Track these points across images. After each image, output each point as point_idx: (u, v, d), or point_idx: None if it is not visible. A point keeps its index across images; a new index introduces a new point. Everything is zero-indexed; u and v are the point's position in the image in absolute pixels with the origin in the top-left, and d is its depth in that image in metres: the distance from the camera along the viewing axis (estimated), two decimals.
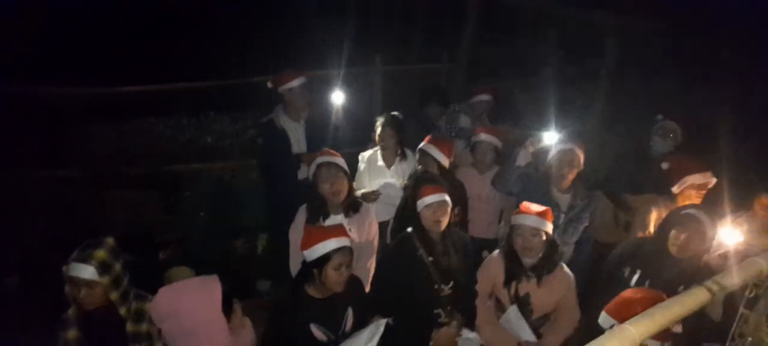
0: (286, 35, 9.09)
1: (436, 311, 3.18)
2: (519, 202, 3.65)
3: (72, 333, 2.58)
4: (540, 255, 3.11)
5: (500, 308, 3.26)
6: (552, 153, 3.78)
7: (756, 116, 5.26)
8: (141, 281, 2.78)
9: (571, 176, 3.71)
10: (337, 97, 4.75)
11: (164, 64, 7.38)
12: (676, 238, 2.96)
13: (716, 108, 5.42)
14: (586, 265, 3.85)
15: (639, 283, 3.02)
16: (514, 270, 3.16)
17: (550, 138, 3.93)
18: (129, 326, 2.64)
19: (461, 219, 3.87)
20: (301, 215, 3.52)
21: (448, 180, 3.62)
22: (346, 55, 6.90)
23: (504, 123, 5.61)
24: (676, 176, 3.62)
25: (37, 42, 7.86)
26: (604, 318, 2.42)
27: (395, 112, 4.48)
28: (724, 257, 3.07)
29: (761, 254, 2.07)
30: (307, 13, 9.21)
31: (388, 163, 4.32)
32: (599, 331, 2.41)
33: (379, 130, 4.31)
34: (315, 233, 2.83)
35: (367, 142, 4.66)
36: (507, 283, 3.18)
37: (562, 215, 3.73)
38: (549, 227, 3.08)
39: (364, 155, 4.39)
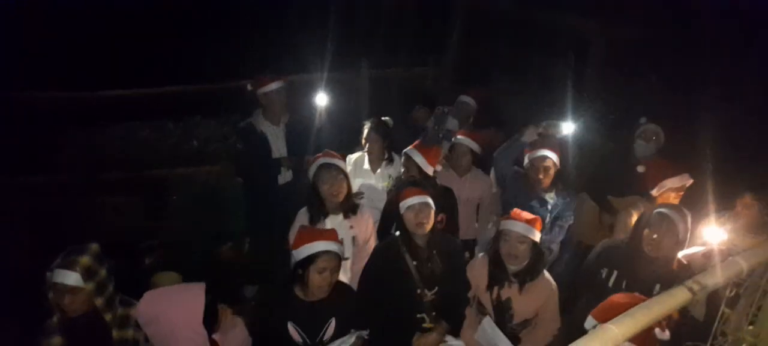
0: (272, 39, 9.07)
1: (419, 316, 3.17)
2: (505, 200, 3.70)
3: (56, 341, 2.54)
4: (525, 262, 3.13)
5: (482, 312, 3.26)
6: (526, 160, 3.86)
7: (739, 117, 5.32)
8: (127, 286, 2.76)
9: (547, 180, 3.79)
10: (321, 100, 4.75)
11: (149, 68, 7.32)
12: (649, 237, 3.01)
13: (699, 110, 5.49)
14: (570, 264, 3.88)
15: (616, 283, 3.08)
16: (497, 275, 3.17)
17: (567, 127, 3.99)
18: (115, 333, 2.61)
19: (450, 227, 3.85)
20: (302, 217, 3.54)
21: (430, 185, 3.61)
22: (332, 59, 6.90)
23: (489, 127, 5.63)
24: (652, 180, 3.69)
25: (25, 45, 7.78)
26: (590, 322, 2.44)
27: (385, 118, 4.51)
28: (707, 256, 3.11)
29: (742, 253, 2.10)
30: (293, 17, 9.19)
31: (374, 167, 4.34)
32: (582, 332, 2.44)
33: (365, 134, 4.33)
34: (305, 234, 2.85)
35: (353, 146, 4.67)
36: (489, 287, 3.19)
37: (548, 214, 3.78)
38: (536, 236, 3.10)
39: (351, 158, 4.41)
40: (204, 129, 7.01)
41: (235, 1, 9.87)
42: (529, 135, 4.00)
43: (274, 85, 4.42)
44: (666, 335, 2.07)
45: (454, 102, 5.26)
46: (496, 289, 3.17)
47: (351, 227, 3.57)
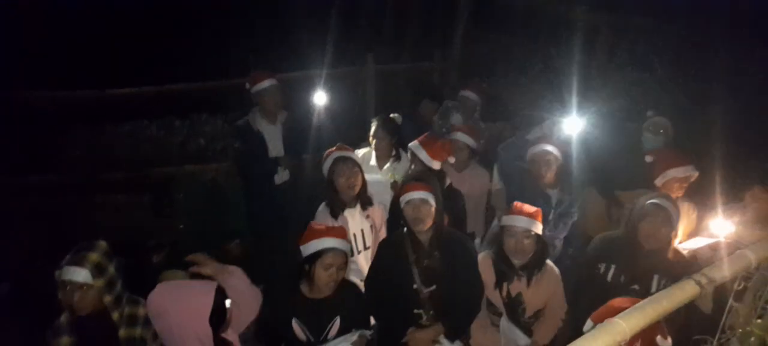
0: (279, 35, 9.07)
1: (417, 312, 3.16)
2: (510, 195, 3.69)
3: (65, 341, 2.55)
4: (530, 255, 3.12)
5: (493, 311, 3.24)
6: (528, 155, 3.85)
7: (747, 110, 5.29)
8: (135, 285, 2.77)
9: (550, 175, 3.77)
10: (320, 98, 4.74)
11: (155, 66, 7.35)
12: (644, 229, 3.03)
13: (707, 103, 5.45)
14: (577, 259, 3.87)
15: (615, 277, 3.10)
16: (505, 271, 3.15)
17: (570, 126, 3.98)
18: (122, 332, 2.61)
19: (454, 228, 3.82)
20: (323, 212, 3.56)
21: (435, 180, 3.50)
22: (338, 55, 6.91)
23: (496, 121, 5.63)
24: (658, 169, 3.67)
25: (32, 46, 7.82)
26: (589, 326, 2.43)
27: (393, 115, 4.50)
28: (714, 249, 3.10)
29: (750, 246, 2.09)
30: (300, 13, 9.18)
31: (381, 164, 4.33)
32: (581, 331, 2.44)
33: (373, 130, 4.33)
34: (315, 230, 2.86)
35: (359, 142, 4.66)
36: (498, 285, 3.17)
37: (552, 211, 3.76)
38: (539, 228, 3.09)
39: (359, 153, 4.39)
40: (211, 127, 7.02)
41: None
42: (536, 132, 4.00)
43: (266, 83, 4.38)
44: (668, 343, 2.06)
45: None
46: (505, 286, 3.16)
47: (368, 216, 3.64)
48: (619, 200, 4.17)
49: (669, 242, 3.07)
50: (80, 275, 2.45)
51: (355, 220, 3.60)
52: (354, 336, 2.84)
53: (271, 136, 4.49)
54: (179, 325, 2.22)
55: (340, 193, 3.53)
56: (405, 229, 3.21)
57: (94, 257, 2.49)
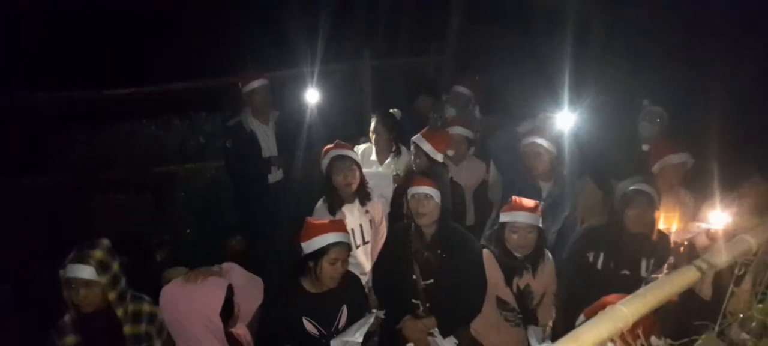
0: (275, 32, 9.06)
1: (414, 301, 3.20)
2: (505, 184, 3.70)
3: (70, 339, 2.56)
4: (532, 247, 3.16)
5: (504, 308, 3.23)
6: (521, 147, 3.87)
7: (742, 99, 5.30)
8: (138, 283, 2.79)
9: (541, 167, 3.79)
10: (312, 96, 4.73)
11: (154, 65, 7.34)
12: (630, 215, 3.14)
13: (703, 92, 5.47)
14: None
15: (604, 264, 3.21)
16: (514, 267, 3.18)
17: (562, 120, 4.00)
18: (127, 328, 2.63)
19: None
20: (321, 208, 3.59)
21: (441, 172, 3.60)
22: (334, 50, 6.90)
23: (494, 115, 5.64)
24: (655, 157, 3.71)
25: (30, 46, 7.81)
26: (582, 321, 2.46)
27: (393, 110, 4.51)
28: (712, 237, 3.12)
29: (751, 231, 2.10)
30: (296, 9, 9.17)
31: (381, 159, 4.35)
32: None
33: (372, 126, 4.34)
34: (315, 225, 2.87)
35: (358, 137, 4.67)
36: (508, 281, 3.19)
37: (542, 203, 3.78)
38: (540, 221, 3.13)
39: (359, 149, 4.41)
40: (210, 124, 7.01)
41: None
42: (526, 125, 4.02)
43: (256, 83, 4.38)
44: (662, 343, 2.08)
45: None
46: (515, 280, 3.18)
47: (367, 211, 3.67)
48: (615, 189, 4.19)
49: (653, 225, 3.19)
50: (85, 271, 2.47)
51: (353, 215, 3.64)
52: (371, 318, 2.90)
53: (264, 135, 4.49)
54: (192, 321, 2.24)
55: (337, 190, 3.58)
56: (411, 221, 3.24)
57: (98, 254, 2.51)
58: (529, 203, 3.13)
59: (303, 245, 2.83)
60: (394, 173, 4.22)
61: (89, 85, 6.49)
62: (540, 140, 3.75)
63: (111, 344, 2.64)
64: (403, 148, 4.37)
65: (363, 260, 3.70)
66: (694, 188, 3.80)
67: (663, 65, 6.15)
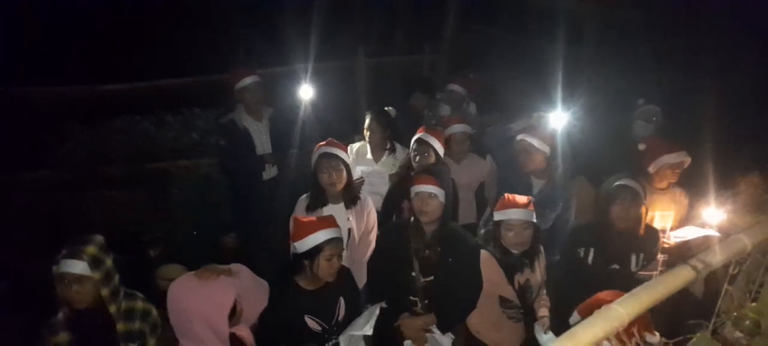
0: (269, 29, 9.03)
1: (412, 298, 3.21)
2: (499, 180, 3.72)
3: (62, 337, 2.54)
4: (529, 243, 3.17)
5: (508, 306, 3.22)
6: (514, 145, 3.90)
7: (738, 98, 5.33)
8: (131, 280, 2.77)
9: (532, 165, 3.82)
10: (305, 93, 4.71)
11: (147, 62, 7.29)
12: (615, 211, 3.17)
13: (696, 92, 5.50)
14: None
15: (595, 260, 3.24)
16: (514, 264, 3.17)
17: (555, 119, 4.00)
18: (120, 326, 2.61)
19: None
20: (301, 205, 3.57)
21: (444, 169, 3.60)
22: (329, 48, 6.88)
23: (490, 113, 5.65)
24: (651, 157, 3.73)
25: (24, 42, 7.74)
26: (575, 319, 2.47)
27: (388, 108, 4.50)
28: (709, 241, 3.14)
29: (745, 231, 2.12)
30: (291, 6, 9.15)
31: (376, 157, 4.34)
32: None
33: (367, 123, 4.33)
34: (306, 224, 2.84)
35: (353, 135, 4.66)
36: (510, 279, 3.18)
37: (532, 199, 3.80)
38: (534, 216, 3.14)
39: (354, 147, 4.41)
40: (204, 121, 6.97)
41: None
42: (520, 123, 4.04)
43: (248, 80, 4.35)
44: (656, 338, 2.09)
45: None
46: (516, 278, 3.18)
47: (348, 219, 3.57)
48: None
49: (640, 220, 3.21)
50: (78, 267, 2.45)
51: (337, 216, 3.58)
52: (376, 310, 2.92)
53: (257, 133, 4.46)
54: (198, 319, 2.23)
55: (324, 188, 3.54)
56: (412, 217, 3.25)
57: (90, 249, 2.50)
58: (521, 199, 3.13)
59: (295, 244, 2.81)
60: (392, 172, 4.21)
61: (81, 81, 6.45)
62: (530, 139, 3.77)
63: (104, 341, 2.61)
64: (398, 146, 4.36)
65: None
66: (689, 187, 3.82)
67: (656, 65, 6.17)
